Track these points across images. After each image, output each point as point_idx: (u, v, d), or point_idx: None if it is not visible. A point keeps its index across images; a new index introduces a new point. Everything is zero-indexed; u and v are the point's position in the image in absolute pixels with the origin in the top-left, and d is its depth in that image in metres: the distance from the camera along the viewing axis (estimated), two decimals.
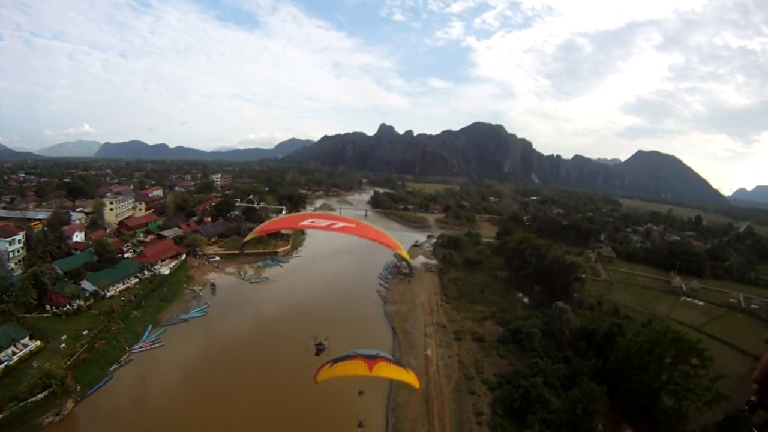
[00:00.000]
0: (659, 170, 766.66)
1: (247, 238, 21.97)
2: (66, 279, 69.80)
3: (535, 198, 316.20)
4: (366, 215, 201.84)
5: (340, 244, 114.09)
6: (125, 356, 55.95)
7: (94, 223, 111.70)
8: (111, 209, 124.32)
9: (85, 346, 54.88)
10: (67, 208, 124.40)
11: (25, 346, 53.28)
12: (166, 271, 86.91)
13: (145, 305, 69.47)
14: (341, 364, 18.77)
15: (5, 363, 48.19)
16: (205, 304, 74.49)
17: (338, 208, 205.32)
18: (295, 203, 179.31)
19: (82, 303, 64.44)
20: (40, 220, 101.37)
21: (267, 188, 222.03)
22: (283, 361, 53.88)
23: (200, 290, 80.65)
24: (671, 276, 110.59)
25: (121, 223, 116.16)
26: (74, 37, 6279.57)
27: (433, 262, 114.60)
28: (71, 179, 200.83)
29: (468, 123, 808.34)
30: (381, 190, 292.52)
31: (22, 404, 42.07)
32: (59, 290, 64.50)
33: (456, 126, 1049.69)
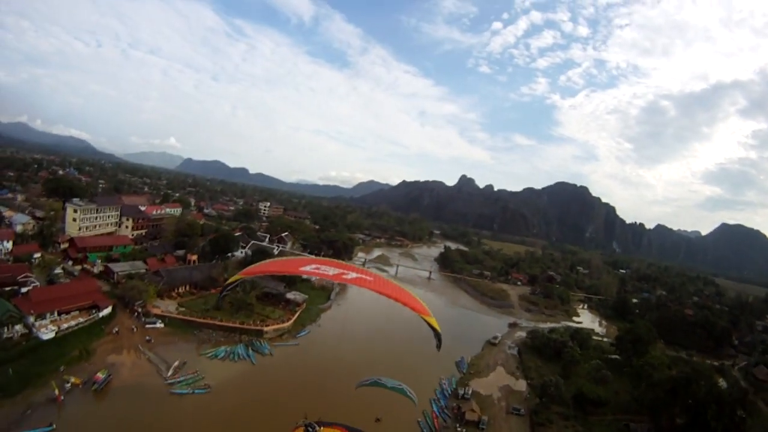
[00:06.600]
0: (742, 245, 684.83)
1: (230, 280, 16.42)
2: None
3: (624, 271, 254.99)
4: (429, 278, 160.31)
5: (372, 326, 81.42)
6: None
7: (41, 233, 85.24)
8: (74, 219, 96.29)
9: None
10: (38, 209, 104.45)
11: None
12: (49, 333, 54.46)
13: None
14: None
15: None
16: (50, 425, 39.79)
17: (396, 264, 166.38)
18: (338, 250, 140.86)
19: None
20: None
21: (317, 226, 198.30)
22: None
23: (62, 389, 44.96)
24: None
25: (71, 241, 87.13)
26: (169, 54, 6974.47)
27: (521, 387, 67.66)
28: (82, 180, 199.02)
29: (548, 183, 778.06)
30: (453, 246, 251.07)
31: None
32: None
33: (536, 185, 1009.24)
